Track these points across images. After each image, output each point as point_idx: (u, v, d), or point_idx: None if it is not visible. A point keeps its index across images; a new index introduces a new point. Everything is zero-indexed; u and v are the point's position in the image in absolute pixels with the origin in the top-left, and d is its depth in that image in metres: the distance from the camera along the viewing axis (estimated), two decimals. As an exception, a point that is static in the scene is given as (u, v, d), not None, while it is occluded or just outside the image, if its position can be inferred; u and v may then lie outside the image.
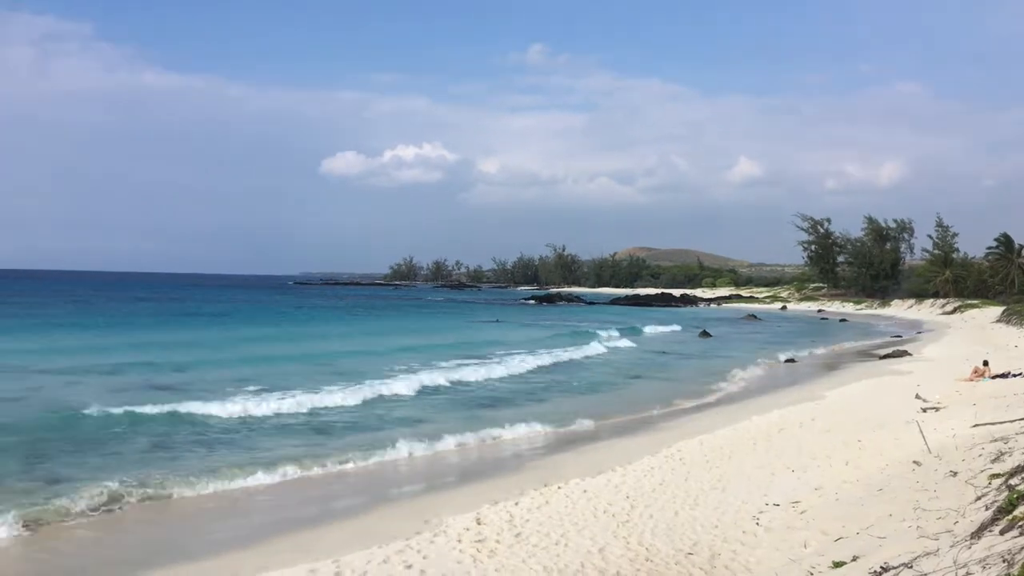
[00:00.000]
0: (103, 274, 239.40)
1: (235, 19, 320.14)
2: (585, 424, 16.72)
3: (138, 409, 15.94)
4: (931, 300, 72.85)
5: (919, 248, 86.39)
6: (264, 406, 17.16)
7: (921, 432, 11.62)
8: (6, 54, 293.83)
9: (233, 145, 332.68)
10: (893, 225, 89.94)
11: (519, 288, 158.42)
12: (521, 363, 27.10)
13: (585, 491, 10.85)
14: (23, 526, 9.19)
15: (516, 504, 10.23)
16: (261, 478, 11.78)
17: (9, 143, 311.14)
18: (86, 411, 15.61)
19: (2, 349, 26.98)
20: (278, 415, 16.81)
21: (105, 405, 16.08)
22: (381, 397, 19.54)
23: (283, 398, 17.98)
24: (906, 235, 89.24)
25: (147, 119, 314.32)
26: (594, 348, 34.08)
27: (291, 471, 12.17)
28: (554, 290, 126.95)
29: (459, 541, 8.78)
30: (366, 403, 18.74)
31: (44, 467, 11.80)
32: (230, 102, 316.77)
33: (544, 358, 29.02)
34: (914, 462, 10.33)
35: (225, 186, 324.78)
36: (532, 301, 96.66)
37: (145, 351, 27.82)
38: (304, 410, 17.38)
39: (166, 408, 16.18)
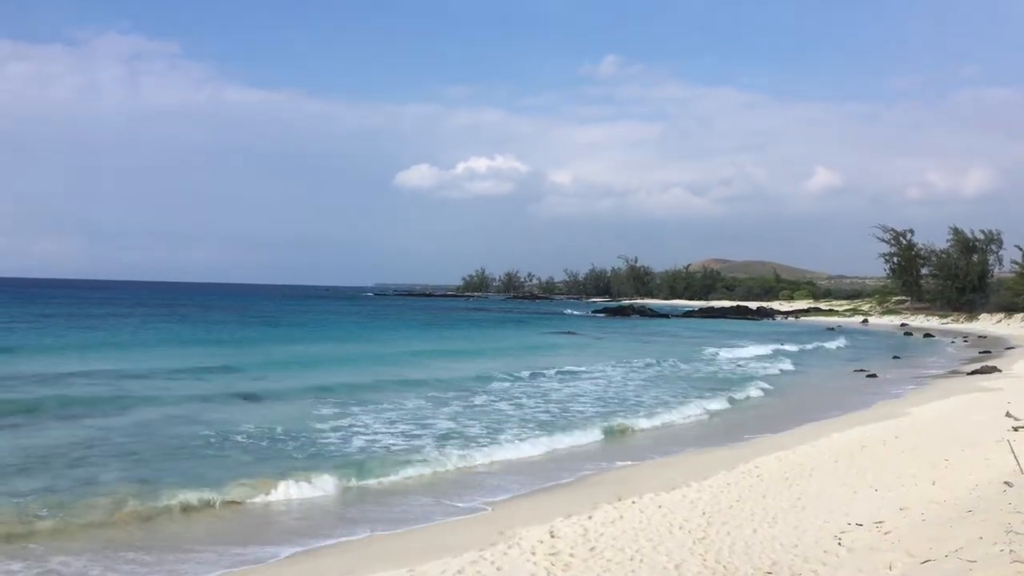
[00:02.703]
0: (181, 285, 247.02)
1: (312, 37, 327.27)
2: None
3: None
4: (1022, 314, 69.87)
5: (1008, 260, 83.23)
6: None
7: (1013, 452, 11.15)
8: (98, 72, 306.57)
9: (310, 158, 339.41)
10: (980, 236, 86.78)
11: (591, 300, 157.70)
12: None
13: (660, 506, 10.73)
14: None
15: (590, 518, 10.17)
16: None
17: (97, 156, 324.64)
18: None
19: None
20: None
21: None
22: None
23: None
24: (994, 246, 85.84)
25: (232, 133, 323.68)
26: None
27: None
28: (626, 302, 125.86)
29: (533, 553, 8.76)
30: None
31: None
32: (308, 117, 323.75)
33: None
34: (1005, 483, 9.93)
35: (302, 198, 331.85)
36: (602, 314, 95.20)
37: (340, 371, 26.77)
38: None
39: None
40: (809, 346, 45.49)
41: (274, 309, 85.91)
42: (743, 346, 43.48)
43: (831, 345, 47.16)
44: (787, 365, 33.71)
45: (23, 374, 23.05)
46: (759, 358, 37.24)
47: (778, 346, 43.94)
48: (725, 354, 38.59)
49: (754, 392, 24.51)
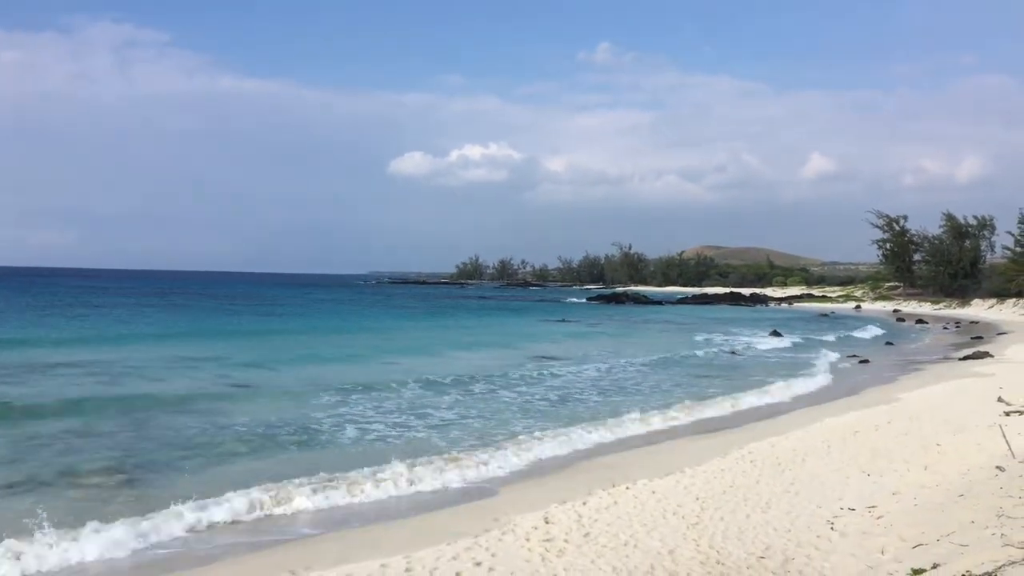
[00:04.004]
0: (175, 273, 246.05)
1: (306, 26, 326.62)
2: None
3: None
4: (1014, 300, 70.18)
5: (1000, 246, 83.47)
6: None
7: (1004, 436, 11.23)
8: (89, 60, 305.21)
9: (304, 147, 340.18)
10: (973, 222, 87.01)
11: (585, 287, 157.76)
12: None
13: (654, 492, 10.76)
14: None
15: (584, 504, 10.21)
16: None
17: (90, 145, 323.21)
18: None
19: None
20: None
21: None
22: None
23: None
24: (987, 232, 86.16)
25: (225, 123, 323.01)
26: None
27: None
28: (620, 289, 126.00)
29: (527, 540, 8.79)
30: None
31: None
32: (302, 106, 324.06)
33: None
34: (997, 467, 10.00)
35: (296, 187, 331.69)
36: (596, 301, 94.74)
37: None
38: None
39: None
40: (842, 334, 44.45)
41: (268, 297, 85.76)
42: (739, 333, 43.62)
43: (865, 335, 44.63)
44: (832, 353, 32.01)
45: (12, 363, 22.95)
46: (793, 348, 36.49)
47: (810, 336, 42.88)
48: (720, 339, 38.68)
49: (822, 381, 23.92)
